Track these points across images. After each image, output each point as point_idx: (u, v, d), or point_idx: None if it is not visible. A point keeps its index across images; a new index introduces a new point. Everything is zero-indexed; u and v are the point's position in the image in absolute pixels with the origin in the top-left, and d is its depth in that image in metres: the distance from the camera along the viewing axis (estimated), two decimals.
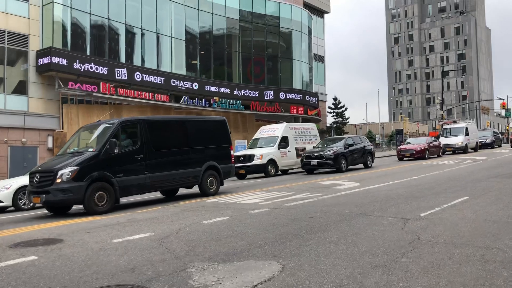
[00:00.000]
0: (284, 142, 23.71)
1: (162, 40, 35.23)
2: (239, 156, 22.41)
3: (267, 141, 23.75)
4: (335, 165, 20.98)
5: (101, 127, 11.77)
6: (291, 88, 43.44)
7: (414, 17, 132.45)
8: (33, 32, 28.26)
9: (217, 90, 37.35)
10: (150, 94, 32.17)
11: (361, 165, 23.46)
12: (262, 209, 9.68)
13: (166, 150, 12.54)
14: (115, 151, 11.10)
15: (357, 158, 22.71)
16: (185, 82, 35.06)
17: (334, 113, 67.33)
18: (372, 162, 23.93)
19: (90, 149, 11.23)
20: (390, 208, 9.08)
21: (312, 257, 5.51)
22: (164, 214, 9.94)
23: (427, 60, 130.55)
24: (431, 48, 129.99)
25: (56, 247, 6.82)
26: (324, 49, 56.70)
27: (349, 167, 22.14)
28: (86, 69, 28.78)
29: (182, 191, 15.28)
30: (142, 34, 33.87)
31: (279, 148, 23.18)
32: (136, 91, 31.37)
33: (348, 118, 68.03)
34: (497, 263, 4.98)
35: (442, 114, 52.66)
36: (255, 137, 25.42)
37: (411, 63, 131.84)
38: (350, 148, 22.09)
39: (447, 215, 8.10)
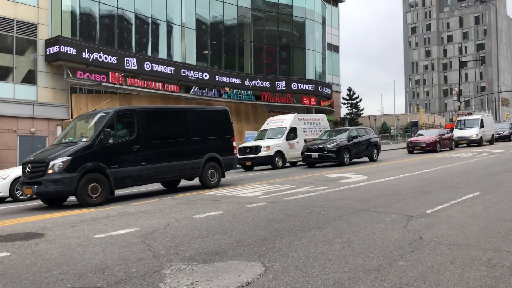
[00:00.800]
0: (292, 133, 23.09)
1: (173, 30, 34.78)
2: (245, 148, 21.96)
3: (275, 132, 23.19)
4: (338, 158, 20.02)
5: (97, 116, 11.38)
6: (303, 78, 42.66)
7: (432, 6, 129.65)
8: (42, 21, 28.08)
9: (228, 81, 36.86)
10: (160, 84, 31.81)
11: (366, 158, 22.59)
12: (259, 203, 9.22)
13: (164, 141, 12.11)
14: (110, 141, 10.70)
15: (362, 151, 21.76)
16: (195, 72, 34.64)
17: (349, 104, 66.36)
18: (378, 155, 22.99)
19: (84, 139, 10.85)
20: (395, 204, 8.54)
21: (300, 258, 5.04)
22: (158, 207, 9.54)
23: (445, 50, 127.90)
24: (449, 38, 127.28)
25: (34, 242, 6.46)
26: (339, 38, 55.65)
27: (353, 160, 21.27)
28: (95, 58, 28.57)
29: (184, 182, 14.89)
30: (152, 23, 33.50)
31: (287, 140, 22.56)
32: (145, 81, 31.07)
33: (362, 109, 67.06)
34: (504, 269, 4.44)
35: (459, 106, 51.36)
36: (262, 128, 24.90)
37: (428, 53, 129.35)
38: (354, 140, 21.16)
39: (455, 212, 7.55)
